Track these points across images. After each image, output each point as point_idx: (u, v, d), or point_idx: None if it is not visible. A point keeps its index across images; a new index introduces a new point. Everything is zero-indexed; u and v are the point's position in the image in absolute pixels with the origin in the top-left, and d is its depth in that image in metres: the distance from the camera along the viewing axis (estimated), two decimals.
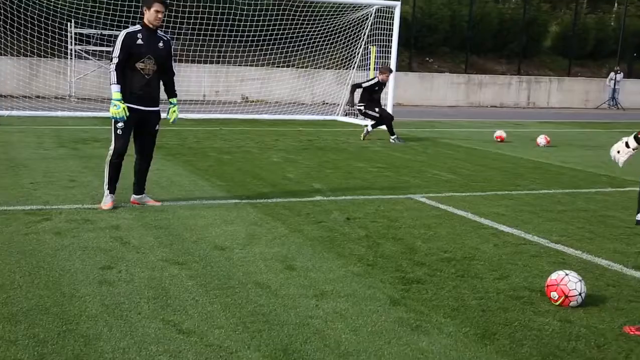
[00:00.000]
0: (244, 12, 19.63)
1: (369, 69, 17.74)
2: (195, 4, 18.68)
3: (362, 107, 13.90)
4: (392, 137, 13.57)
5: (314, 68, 23.09)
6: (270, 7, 20.29)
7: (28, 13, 17.19)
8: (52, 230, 5.75)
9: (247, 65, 22.51)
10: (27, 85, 19.13)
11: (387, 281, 4.80)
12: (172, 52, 6.89)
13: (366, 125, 14.24)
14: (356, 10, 18.13)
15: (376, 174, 9.46)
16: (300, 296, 4.43)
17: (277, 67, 22.91)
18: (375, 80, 13.80)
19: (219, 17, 18.86)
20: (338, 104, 19.52)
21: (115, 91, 6.43)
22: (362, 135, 13.82)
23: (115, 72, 6.44)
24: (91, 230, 5.79)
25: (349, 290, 4.57)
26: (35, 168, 8.74)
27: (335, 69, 21.11)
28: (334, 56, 20.57)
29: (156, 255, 5.17)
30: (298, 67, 23.24)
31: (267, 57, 21.86)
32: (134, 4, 17.57)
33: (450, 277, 4.95)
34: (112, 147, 6.72)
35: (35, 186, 7.57)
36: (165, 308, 4.13)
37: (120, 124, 6.56)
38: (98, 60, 21.17)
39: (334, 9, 18.63)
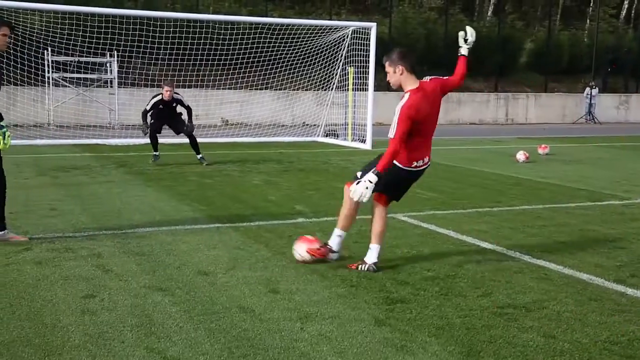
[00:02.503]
0: (222, 36, 19.70)
1: (348, 90, 17.85)
2: (172, 29, 18.73)
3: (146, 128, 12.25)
4: (199, 157, 12.51)
5: (293, 90, 23.18)
6: (248, 31, 20.39)
7: None
8: (33, 260, 5.69)
9: (226, 89, 22.55)
10: (5, 114, 18.95)
11: (371, 301, 4.80)
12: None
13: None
14: (333, 32, 18.28)
15: None
16: (284, 319, 4.42)
17: (256, 89, 22.99)
18: (157, 98, 12.15)
19: (196, 41, 18.92)
20: (318, 125, 19.60)
21: None
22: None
23: None
24: (72, 259, 5.75)
25: (334, 312, 4.56)
26: (15, 197, 8.63)
27: (315, 90, 21.21)
28: (312, 77, 20.67)
29: (139, 282, 5.14)
30: (277, 89, 23.33)
31: (246, 79, 21.91)
32: (110, 30, 17.58)
33: (434, 295, 4.96)
34: None
35: (15, 216, 7.49)
36: (149, 335, 4.10)
37: None
38: (76, 87, 21.11)
39: (311, 31, 18.77)
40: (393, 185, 5.61)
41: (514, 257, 6.11)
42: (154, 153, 12.54)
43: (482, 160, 14.31)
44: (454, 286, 5.19)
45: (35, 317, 4.35)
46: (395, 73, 5.45)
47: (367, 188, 5.25)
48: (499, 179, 11.39)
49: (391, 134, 5.33)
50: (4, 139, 6.08)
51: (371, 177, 5.26)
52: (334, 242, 5.80)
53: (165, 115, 12.32)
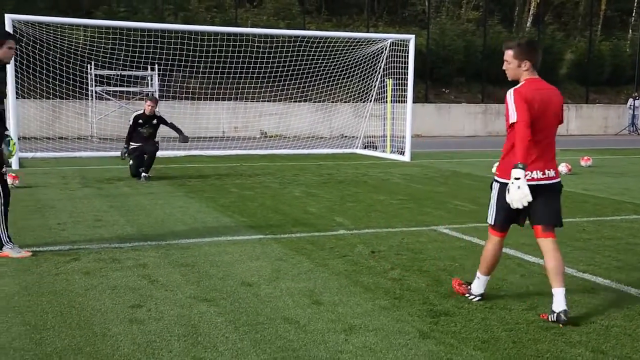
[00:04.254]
0: (260, 49, 19.90)
1: (386, 102, 17.86)
2: (212, 42, 18.98)
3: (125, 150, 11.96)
4: (145, 175, 11.95)
5: (332, 102, 23.27)
6: (286, 43, 20.56)
7: (50, 57, 17.55)
8: (81, 270, 5.82)
9: (265, 101, 22.76)
10: (50, 127, 19.45)
11: (415, 314, 4.79)
12: None
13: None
14: (371, 44, 18.32)
15: (398, 206, 9.48)
16: (329, 331, 4.43)
17: (294, 101, 23.13)
18: (138, 112, 12.24)
19: (236, 54, 19.14)
20: (356, 137, 19.63)
21: None
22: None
23: None
24: (119, 270, 5.85)
25: (378, 324, 4.57)
26: (62, 208, 8.86)
27: (353, 102, 21.27)
28: (351, 89, 20.74)
29: (184, 293, 5.21)
30: (316, 101, 23.44)
31: (285, 92, 22.08)
32: (152, 44, 17.90)
33: (479, 308, 4.93)
34: (1, 196, 6.19)
35: (63, 227, 7.67)
36: (195, 345, 4.15)
37: (4, 169, 6.21)
38: (118, 100, 21.51)
39: (349, 43, 18.85)
40: (501, 205, 4.85)
41: None
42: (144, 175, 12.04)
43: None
44: (499, 299, 5.15)
45: (85, 326, 4.45)
46: (520, 67, 4.87)
47: (519, 187, 4.49)
48: None
49: (512, 118, 4.64)
50: (8, 146, 6.17)
51: (516, 172, 4.51)
52: (474, 284, 5.20)
53: (144, 138, 12.01)
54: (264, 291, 5.29)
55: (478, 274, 5.13)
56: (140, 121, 12.07)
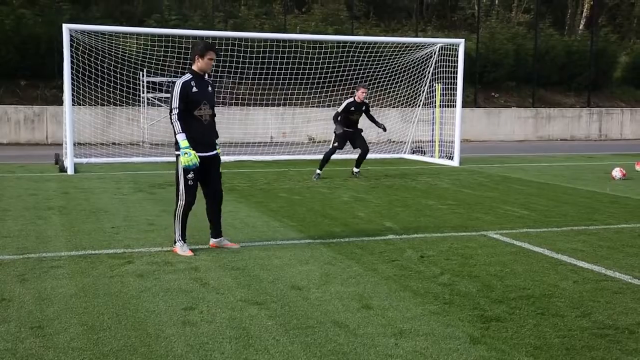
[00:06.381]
0: (309, 55, 20.00)
1: (435, 106, 17.75)
2: (261, 49, 19.17)
3: (335, 131, 13.07)
4: (355, 171, 13.67)
5: (380, 107, 23.21)
6: (335, 49, 20.63)
7: (104, 64, 17.98)
8: (135, 272, 5.95)
9: (312, 107, 22.85)
10: (104, 133, 19.89)
11: (465, 319, 4.76)
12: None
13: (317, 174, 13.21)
14: (420, 49, 18.24)
15: (447, 211, 9.41)
16: (379, 335, 4.44)
17: None
18: (349, 100, 13.09)
19: (284, 60, 19.28)
20: (404, 142, 19.56)
21: (182, 139, 6.49)
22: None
23: (178, 122, 6.54)
24: (171, 272, 5.97)
25: (428, 329, 4.55)
26: (115, 213, 9.07)
27: (401, 107, 21.19)
28: (399, 94, 20.66)
29: (235, 296, 5.28)
30: None
31: (333, 97, 22.14)
32: None
33: (530, 314, 4.87)
34: (182, 199, 6.71)
35: (117, 230, 7.85)
36: (247, 348, 4.21)
37: (190, 175, 6.65)
38: (168, 106, 21.89)
39: (398, 48, 18.80)
40: None
41: (613, 277, 5.91)
42: (318, 172, 13.20)
43: (575, 177, 13.90)
44: (551, 305, 5.08)
45: (139, 327, 4.55)
46: None
47: None
48: (594, 196, 11.03)
49: None
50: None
51: None
52: None
53: (351, 122, 13.12)
54: (313, 295, 5.32)
55: None
56: (352, 109, 13.00)
